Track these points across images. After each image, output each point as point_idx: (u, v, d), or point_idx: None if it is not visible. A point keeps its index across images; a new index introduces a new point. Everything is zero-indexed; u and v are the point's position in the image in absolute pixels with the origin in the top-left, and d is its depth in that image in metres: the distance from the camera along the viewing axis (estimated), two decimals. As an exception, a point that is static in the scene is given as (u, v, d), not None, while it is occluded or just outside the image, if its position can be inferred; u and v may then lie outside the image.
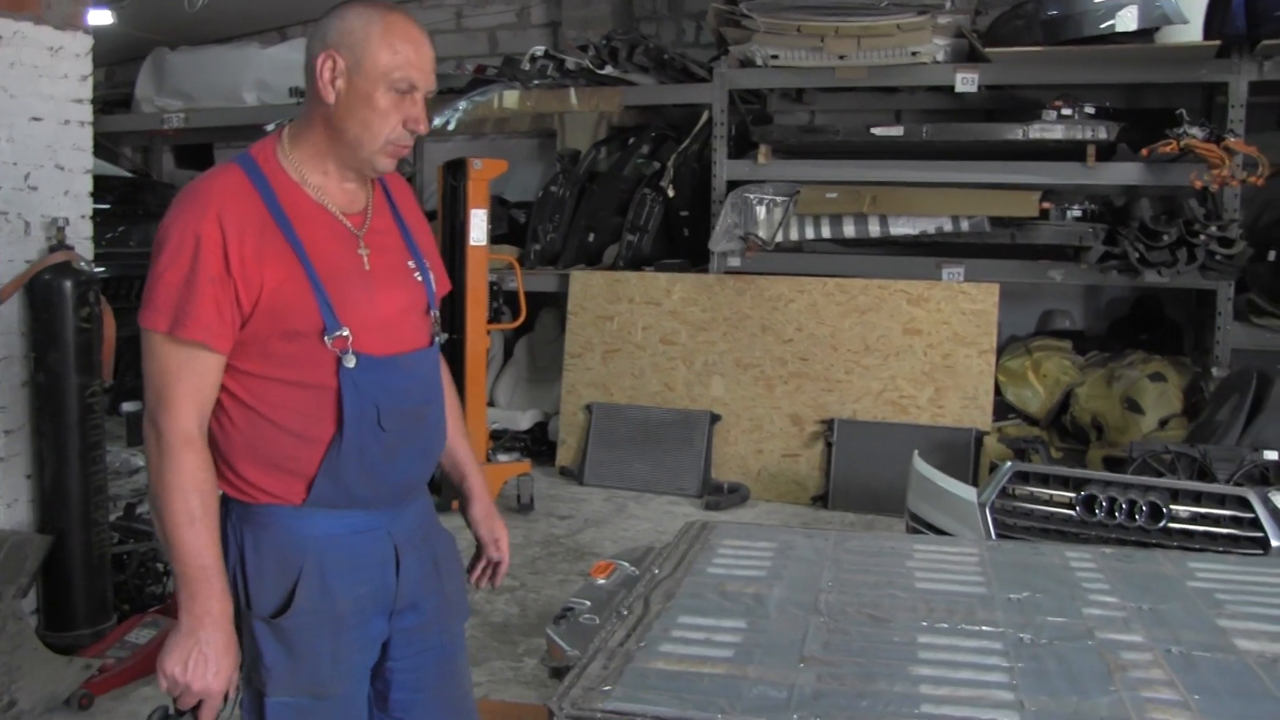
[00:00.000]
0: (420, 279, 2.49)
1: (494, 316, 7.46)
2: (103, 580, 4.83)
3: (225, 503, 2.34)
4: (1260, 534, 3.99)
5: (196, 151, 11.26)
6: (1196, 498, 4.17)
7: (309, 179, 2.35)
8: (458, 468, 2.77)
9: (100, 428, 4.81)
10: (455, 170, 7.15)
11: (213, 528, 2.23)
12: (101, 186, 5.27)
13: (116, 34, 9.61)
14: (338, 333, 2.28)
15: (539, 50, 8.82)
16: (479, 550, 2.84)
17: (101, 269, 4.96)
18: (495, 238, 8.19)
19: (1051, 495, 4.42)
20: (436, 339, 2.53)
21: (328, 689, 2.36)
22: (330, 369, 2.30)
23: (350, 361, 2.30)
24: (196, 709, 2.22)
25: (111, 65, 10.55)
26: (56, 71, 4.84)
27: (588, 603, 3.48)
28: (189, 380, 2.22)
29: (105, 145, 9.24)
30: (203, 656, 2.19)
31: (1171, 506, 4.14)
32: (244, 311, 2.24)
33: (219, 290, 2.20)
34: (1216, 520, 4.10)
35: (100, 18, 8.32)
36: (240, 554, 2.32)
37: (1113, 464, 5.73)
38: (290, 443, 2.31)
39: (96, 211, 5.05)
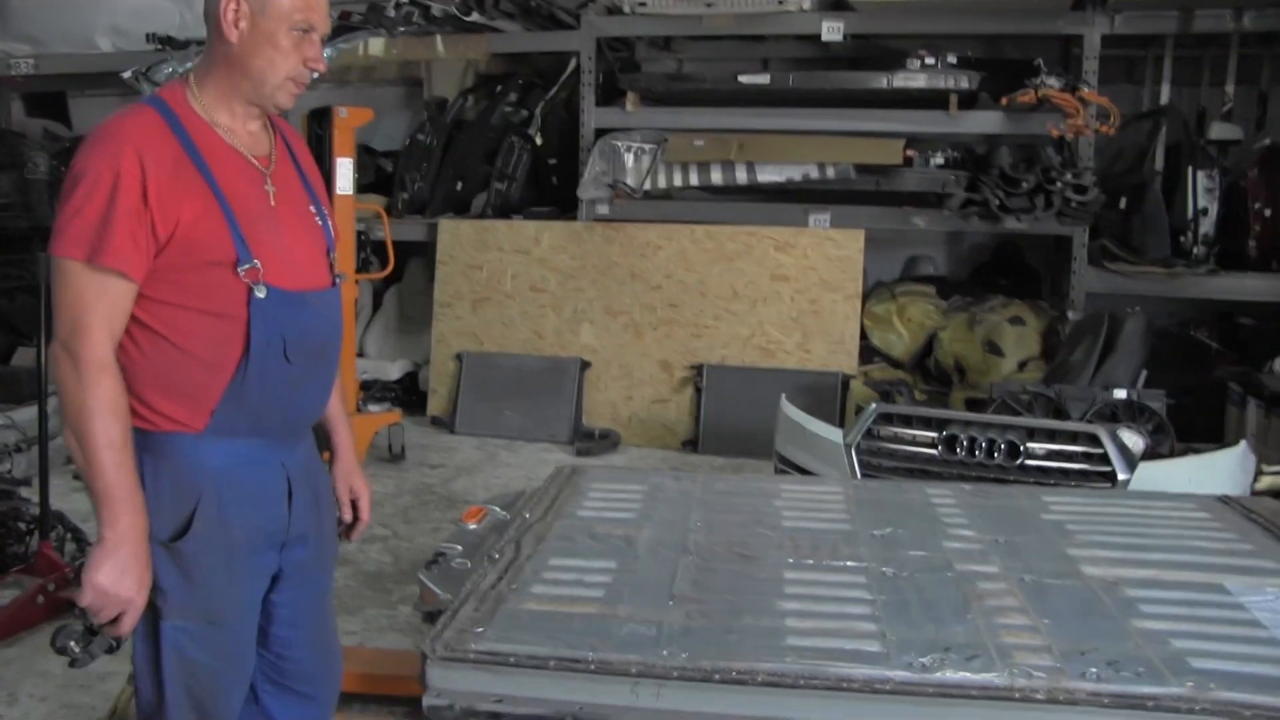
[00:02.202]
0: (320, 223, 2.60)
1: (362, 266, 7.37)
2: (-39, 540, 4.70)
3: None
4: (1108, 468, 4.14)
5: (49, 100, 10.81)
6: (1051, 435, 4.32)
7: (218, 120, 2.45)
8: (328, 420, 2.79)
9: (-46, 385, 4.68)
10: (320, 118, 7.01)
11: (129, 450, 2.30)
12: (-54, 137, 5.10)
13: (-51, -30, 9.21)
14: (250, 264, 2.37)
15: (405, -3, 8.69)
16: (339, 506, 2.84)
17: (-51, 222, 4.79)
18: (362, 187, 8.07)
19: (915, 435, 4.53)
20: (338, 280, 2.62)
21: (222, 615, 2.45)
22: (241, 300, 2.38)
23: (261, 292, 2.38)
24: (110, 623, 2.30)
25: (-49, 9, 10.09)
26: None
27: (459, 548, 3.49)
28: (104, 308, 2.30)
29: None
30: (126, 569, 2.27)
31: (1028, 444, 4.28)
32: (159, 242, 2.32)
33: (135, 223, 2.29)
34: (1069, 456, 4.25)
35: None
36: (140, 480, 2.35)
37: (974, 405, 5.90)
38: (197, 369, 2.39)
39: (-58, 164, 4.86)
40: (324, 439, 2.81)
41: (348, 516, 2.82)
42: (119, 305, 2.32)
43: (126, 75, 8.64)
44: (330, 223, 2.64)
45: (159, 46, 8.77)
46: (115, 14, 9.39)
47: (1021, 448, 4.27)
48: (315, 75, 2.51)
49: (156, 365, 2.37)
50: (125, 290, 2.31)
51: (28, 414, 6.32)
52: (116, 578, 2.25)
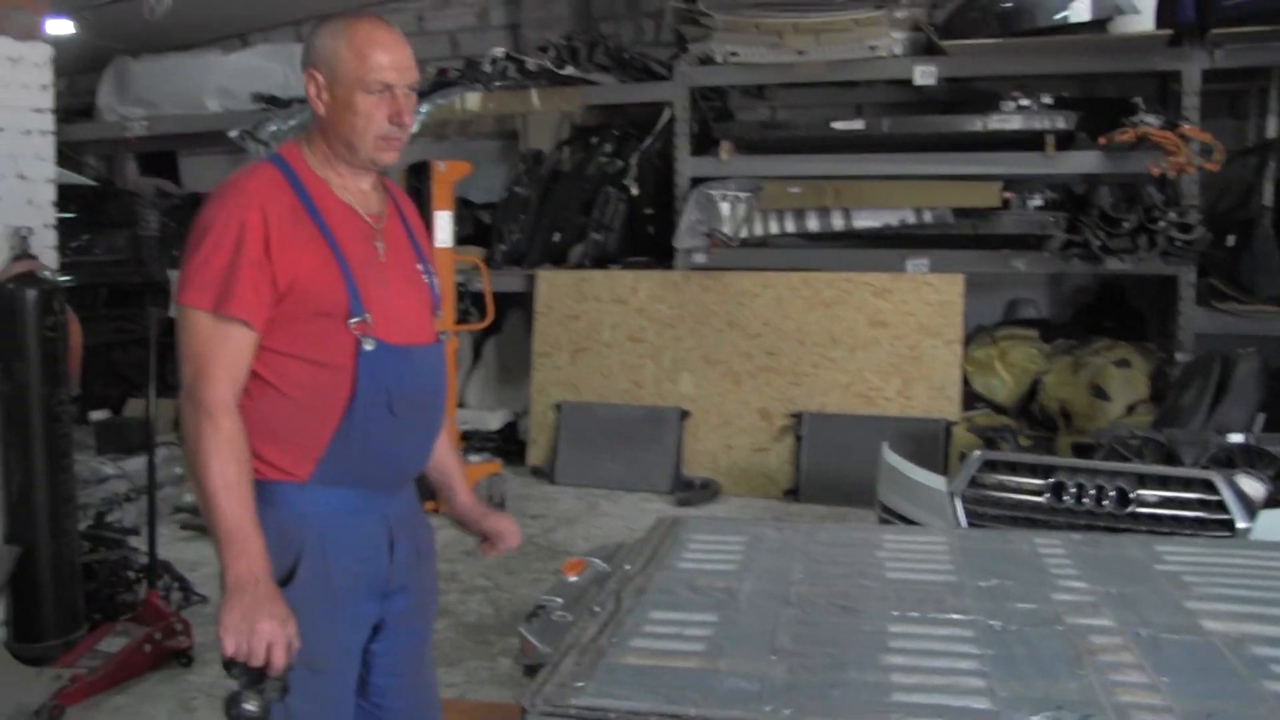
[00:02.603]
0: (426, 281, 2.68)
1: (461, 317, 7.46)
2: (72, 590, 4.80)
3: None
4: (1226, 516, 4.01)
5: (160, 159, 11.18)
6: (1163, 482, 4.19)
7: (330, 178, 2.54)
8: (440, 467, 2.86)
9: (68, 437, 4.79)
10: (419, 173, 7.13)
11: (249, 493, 2.35)
12: (65, 195, 5.25)
13: (78, 43, 9.52)
14: (360, 317, 2.45)
15: (500, 52, 8.80)
16: (485, 536, 2.91)
17: (67, 278, 4.94)
18: (461, 239, 8.17)
19: (1020, 483, 4.43)
20: (442, 337, 2.70)
21: (323, 662, 2.47)
22: (349, 351, 2.46)
23: (369, 345, 2.46)
24: (265, 670, 2.26)
25: (74, 74, 10.44)
26: (16, 82, 4.81)
27: (560, 600, 3.48)
28: (227, 355, 2.38)
29: (68, 154, 9.18)
30: (257, 603, 2.26)
31: (1138, 491, 4.17)
32: (279, 292, 2.41)
33: (258, 273, 2.38)
34: (1183, 504, 4.12)
35: (61, 27, 8.24)
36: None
37: (1081, 451, 5.77)
38: (304, 418, 2.46)
39: (60, 220, 5.02)
40: (427, 489, 2.86)
41: (513, 545, 2.93)
42: (242, 353, 2.39)
43: (233, 134, 8.88)
44: (435, 281, 2.71)
45: (264, 105, 9.03)
46: (223, 76, 9.73)
47: (1132, 495, 4.16)
48: (412, 129, 2.57)
49: (264, 413, 2.44)
50: (248, 339, 2.39)
51: (137, 464, 6.47)
52: (246, 615, 2.24)
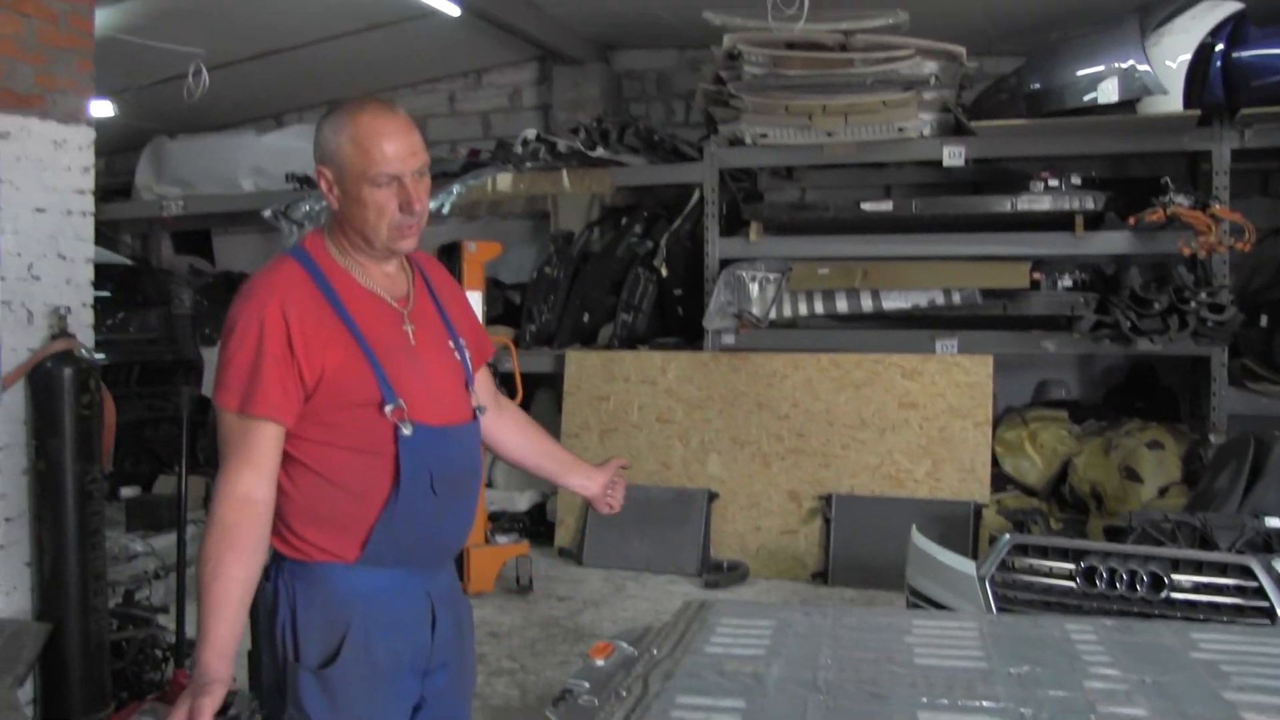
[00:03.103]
0: (459, 358, 2.71)
1: (490, 398, 7.47)
2: (100, 668, 4.77)
3: (279, 560, 2.53)
4: (1265, 603, 3.93)
5: (195, 238, 11.34)
6: (1198, 567, 4.13)
7: (352, 267, 2.58)
8: (555, 464, 3.11)
9: (99, 514, 4.79)
10: (450, 253, 7.19)
11: (238, 587, 2.39)
12: (101, 274, 5.31)
13: (117, 124, 9.74)
14: (395, 404, 2.49)
15: (531, 133, 8.91)
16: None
17: (101, 356, 4.98)
18: (491, 319, 8.23)
19: (1051, 567, 4.38)
20: (478, 412, 2.73)
21: None
22: (388, 436, 2.50)
23: (407, 430, 2.50)
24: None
25: (112, 154, 10.65)
26: (60, 164, 4.88)
27: (586, 684, 3.45)
28: (249, 451, 2.44)
29: (105, 233, 9.31)
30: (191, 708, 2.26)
31: (1173, 576, 4.11)
32: (308, 387, 2.45)
33: (283, 369, 2.43)
34: (1219, 590, 4.05)
35: (101, 109, 8.41)
36: (292, 608, 2.49)
37: (1113, 534, 5.70)
38: (347, 502, 2.50)
39: (96, 299, 5.07)
40: (552, 477, 3.11)
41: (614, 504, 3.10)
42: (268, 448, 2.45)
43: (267, 214, 8.98)
44: (469, 354, 2.74)
45: (297, 185, 9.12)
46: (257, 156, 9.88)
47: (1166, 580, 4.10)
48: (430, 209, 2.65)
49: (308, 498, 2.49)
50: (273, 433, 2.45)
51: (167, 541, 6.46)
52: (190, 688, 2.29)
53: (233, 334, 2.45)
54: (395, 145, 2.48)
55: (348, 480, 2.50)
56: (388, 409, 2.48)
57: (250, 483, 2.42)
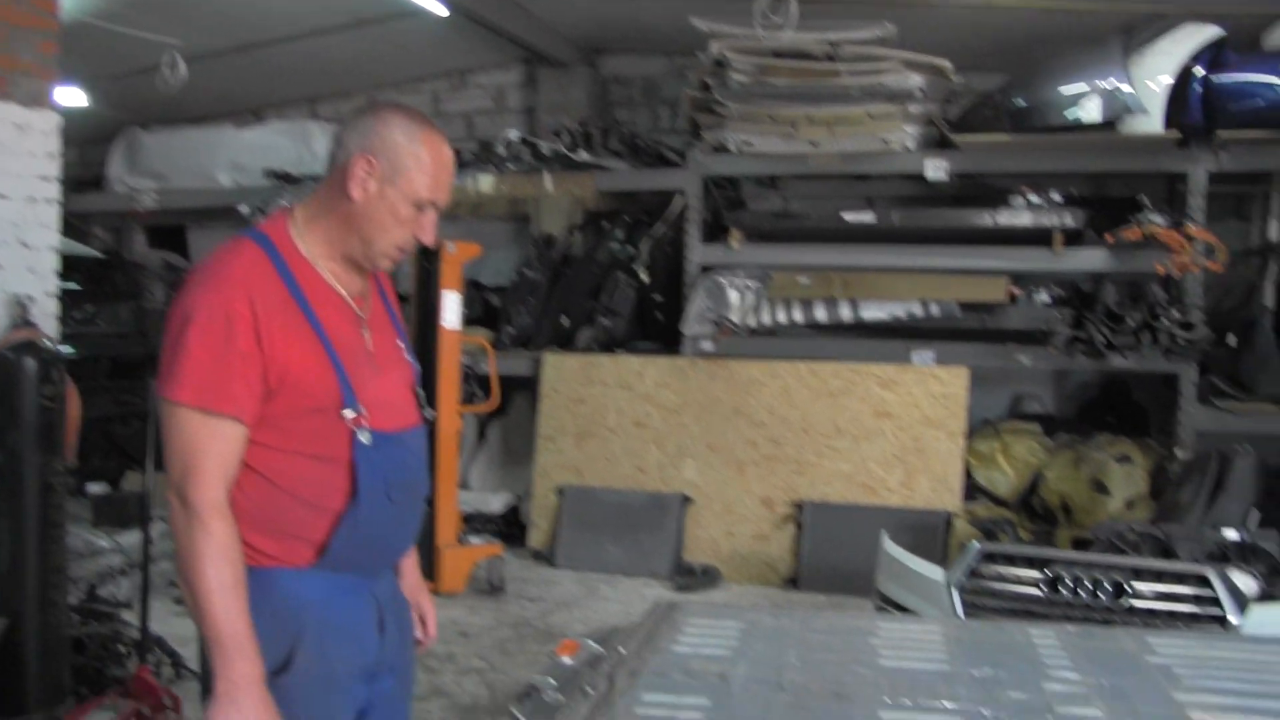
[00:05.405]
0: (409, 359, 2.65)
1: (467, 399, 7.49)
2: (59, 663, 4.72)
3: None
4: (1219, 611, 4.03)
5: (169, 232, 11.21)
6: (1158, 576, 4.20)
7: (320, 262, 2.47)
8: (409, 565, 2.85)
9: (61, 508, 4.74)
10: (429, 253, 7.20)
11: (243, 595, 2.29)
12: (71, 266, 5.26)
13: (89, 114, 9.66)
14: (355, 410, 2.40)
15: (514, 135, 8.92)
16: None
17: (68, 348, 4.92)
18: (469, 320, 8.23)
19: (1019, 575, 4.43)
20: (426, 416, 2.67)
21: None
22: (344, 443, 2.41)
23: (365, 438, 2.42)
24: None
25: (84, 144, 10.53)
26: (22, 149, 4.83)
27: (553, 681, 3.47)
28: (218, 452, 2.30)
29: (75, 224, 9.24)
30: (243, 717, 2.23)
31: (1134, 585, 4.18)
32: (269, 386, 2.33)
33: (249, 366, 2.30)
34: (1177, 598, 4.13)
35: (71, 97, 8.29)
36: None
37: (1080, 545, 5.76)
38: (302, 511, 2.41)
39: (65, 291, 5.01)
40: (430, 567, 2.85)
41: (418, 635, 2.84)
42: (233, 450, 2.33)
43: (244, 209, 8.95)
44: (413, 356, 2.68)
45: (275, 182, 9.09)
46: (235, 151, 9.80)
47: (1127, 588, 4.17)
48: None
49: (258, 505, 2.39)
50: (238, 435, 2.33)
51: (132, 538, 6.44)
52: None
53: (192, 323, 2.28)
54: (448, 179, 2.48)
55: (300, 488, 2.40)
56: (346, 414, 2.40)
57: (223, 488, 2.31)
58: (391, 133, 2.42)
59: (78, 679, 4.91)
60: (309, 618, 2.41)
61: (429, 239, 2.49)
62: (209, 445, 2.29)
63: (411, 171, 2.41)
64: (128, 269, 10.09)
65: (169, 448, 2.32)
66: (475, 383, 7.65)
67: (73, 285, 8.13)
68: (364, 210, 2.42)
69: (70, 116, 5.07)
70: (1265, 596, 4.29)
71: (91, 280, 9.21)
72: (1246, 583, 4.24)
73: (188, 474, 2.28)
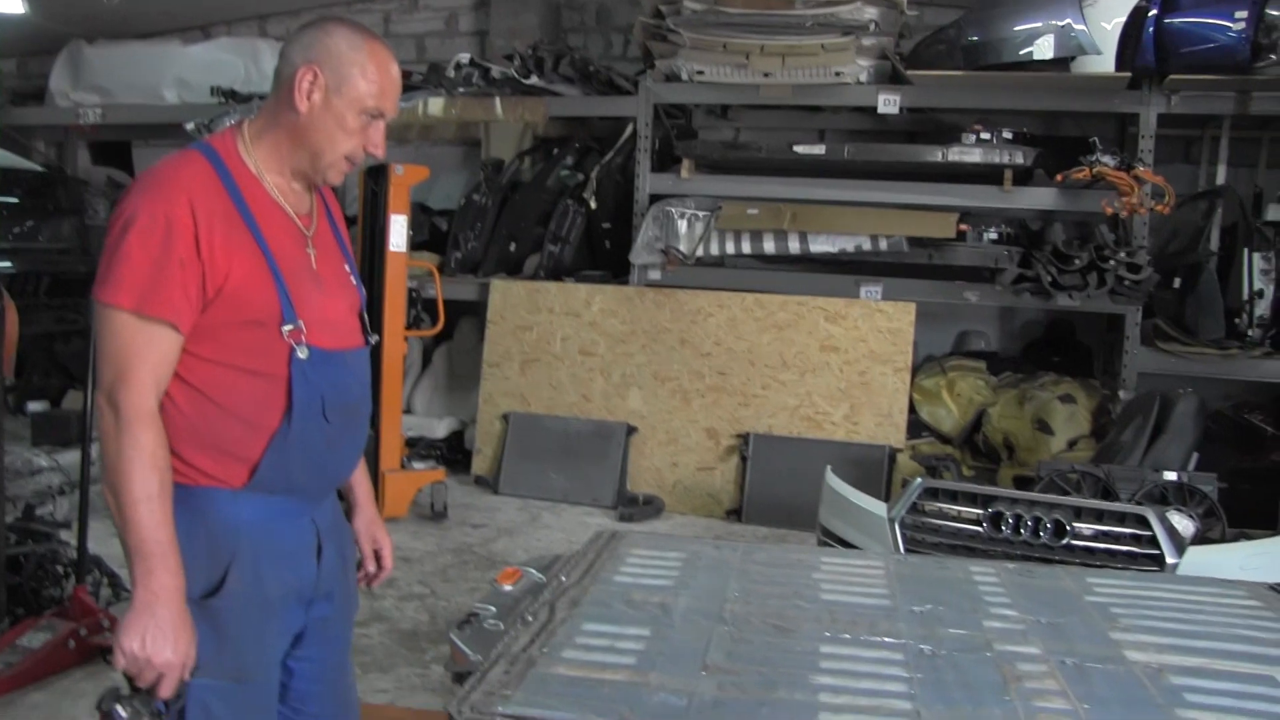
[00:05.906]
0: (355, 283, 2.63)
1: (412, 323, 7.43)
2: (-8, 582, 4.66)
3: None
4: (1156, 552, 4.09)
5: (113, 149, 11.02)
6: (1098, 516, 4.25)
7: (267, 176, 2.45)
8: (362, 485, 2.86)
9: (-1, 426, 4.69)
10: (376, 175, 7.11)
11: (168, 505, 2.25)
12: (9, 179, 5.11)
13: (29, 24, 9.36)
14: (294, 324, 2.38)
15: (465, 58, 8.80)
16: (361, 558, 2.86)
17: (6, 264, 4.81)
18: (416, 244, 8.16)
19: (960, 512, 4.48)
20: (369, 340, 2.65)
21: (250, 673, 2.43)
22: (282, 359, 2.38)
23: (303, 353, 2.39)
24: (153, 687, 2.23)
25: (24, 56, 10.28)
26: (-49, 53, 4.69)
27: (493, 609, 3.48)
28: (151, 358, 2.27)
29: (15, 137, 9.05)
30: (160, 631, 2.21)
31: (1074, 524, 4.22)
32: (207, 296, 2.30)
33: (187, 273, 2.26)
34: (1116, 538, 4.19)
35: (9, 4, 8.03)
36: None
37: (1023, 483, 5.83)
38: (237, 428, 2.37)
39: (4, 205, 4.88)
40: (340, 491, 2.83)
41: (371, 567, 2.84)
42: (166, 357, 2.29)
43: (189, 126, 8.79)
44: (360, 281, 2.66)
45: (222, 100, 8.93)
46: (182, 67, 9.61)
47: (1068, 527, 4.21)
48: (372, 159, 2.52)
49: (194, 422, 2.35)
50: (173, 341, 2.29)
51: (72, 457, 6.38)
52: (149, 641, 2.19)
53: (132, 227, 2.25)
54: (395, 89, 2.46)
55: (236, 403, 2.36)
56: (286, 329, 2.37)
57: (154, 395, 2.27)
58: (336, 43, 2.40)
59: (13, 599, 4.85)
60: (244, 540, 2.38)
61: (379, 150, 2.47)
62: (143, 350, 2.26)
63: (357, 80, 2.39)
64: (70, 184, 9.84)
65: (101, 352, 2.28)
66: (421, 307, 7.58)
67: (12, 199, 7.98)
68: (310, 121, 2.41)
69: (7, 25, 4.91)
70: (1202, 539, 4.37)
71: (32, 195, 8.97)
72: (1184, 524, 4.30)
73: (119, 379, 2.25)
